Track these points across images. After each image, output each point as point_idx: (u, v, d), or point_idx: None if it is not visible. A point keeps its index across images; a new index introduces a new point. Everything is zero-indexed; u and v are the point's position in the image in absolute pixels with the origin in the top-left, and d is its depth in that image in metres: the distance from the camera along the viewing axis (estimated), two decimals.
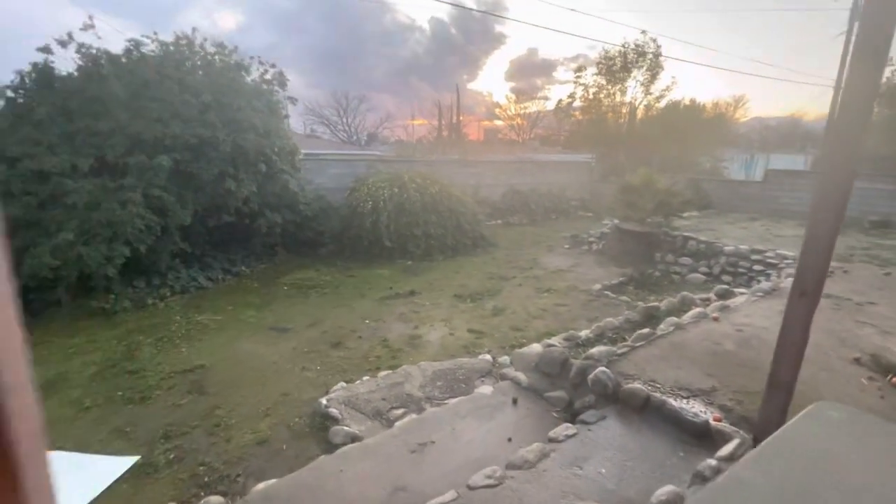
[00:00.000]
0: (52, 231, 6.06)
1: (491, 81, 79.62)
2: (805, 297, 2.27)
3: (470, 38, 61.59)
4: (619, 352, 3.81)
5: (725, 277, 8.31)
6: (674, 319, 4.58)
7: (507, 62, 76.14)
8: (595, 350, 3.80)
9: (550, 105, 40.81)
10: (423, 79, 61.71)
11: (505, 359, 4.88)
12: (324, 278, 8.49)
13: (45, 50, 7.12)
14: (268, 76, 9.38)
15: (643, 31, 16.02)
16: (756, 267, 8.03)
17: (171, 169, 7.18)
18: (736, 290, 6.30)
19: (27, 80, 6.93)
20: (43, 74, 6.97)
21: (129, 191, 6.60)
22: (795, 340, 2.33)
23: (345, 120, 48.74)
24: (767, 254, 8.06)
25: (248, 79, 9.04)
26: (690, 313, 4.76)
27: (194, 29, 8.17)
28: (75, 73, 7.19)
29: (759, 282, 7.80)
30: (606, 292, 7.63)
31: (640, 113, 18.15)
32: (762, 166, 23.93)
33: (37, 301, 6.26)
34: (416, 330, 6.00)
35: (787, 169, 15.45)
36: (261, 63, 9.17)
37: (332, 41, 60.53)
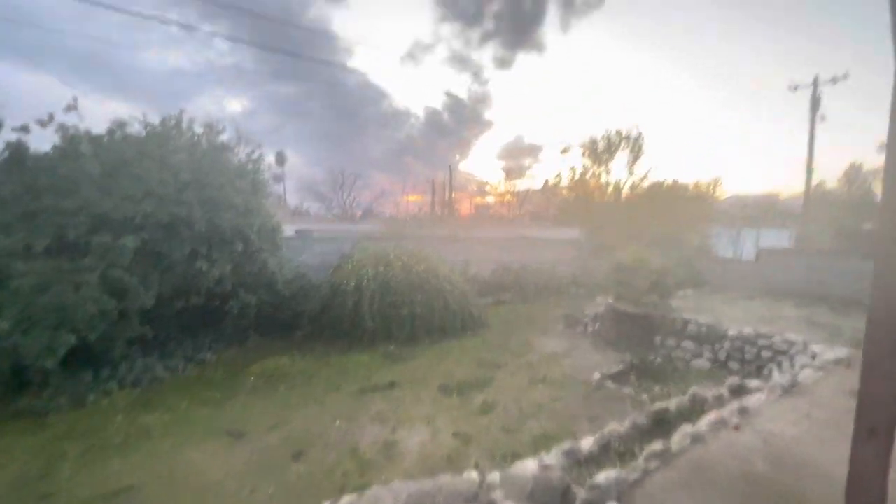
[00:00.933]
0: None
1: (481, 161, 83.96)
2: (876, 437, 1.74)
3: (461, 123, 65.91)
4: (632, 478, 3.13)
5: (732, 364, 7.72)
6: (689, 429, 3.94)
7: (496, 144, 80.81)
8: (602, 477, 3.12)
9: (538, 184, 42.47)
10: (417, 158, 64.93)
11: (495, 476, 4.11)
12: (297, 366, 7.73)
13: (23, 129, 6.98)
14: (254, 155, 9.36)
15: (627, 120, 16.92)
16: (764, 353, 7.48)
17: (139, 248, 6.74)
18: (749, 382, 5.68)
19: None
20: (16, 153, 6.76)
21: (86, 272, 6.08)
22: (872, 496, 1.75)
23: (340, 196, 50.14)
24: (774, 339, 7.55)
25: (235, 158, 8.98)
26: (707, 420, 4.12)
27: (181, 110, 8.23)
28: (51, 152, 7.00)
29: (769, 370, 7.22)
30: (607, 382, 6.94)
31: (625, 192, 18.63)
32: (750, 241, 24.23)
33: None
34: (393, 434, 5.22)
35: (778, 248, 15.47)
36: (247, 143, 9.19)
37: (332, 124, 64.32)
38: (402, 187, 51.09)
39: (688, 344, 8.50)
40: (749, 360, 7.59)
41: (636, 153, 17.49)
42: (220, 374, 7.33)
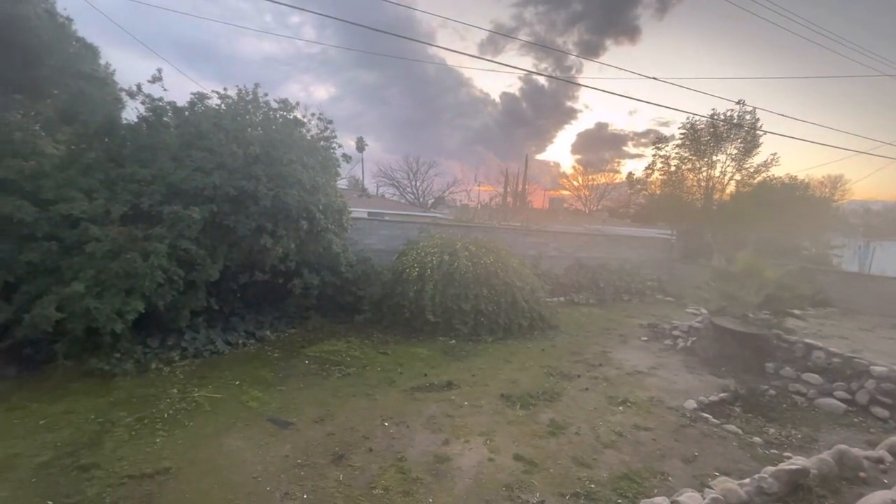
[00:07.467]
0: (67, 280, 5.60)
1: (558, 153, 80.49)
2: None
3: (540, 112, 63.36)
4: None
5: (878, 410, 6.08)
6: None
7: (574, 135, 76.89)
8: None
9: (621, 177, 39.52)
10: (491, 148, 63.78)
11: None
12: (353, 353, 7.39)
13: (116, 100, 7.25)
14: (326, 133, 9.12)
15: (738, 102, 14.49)
16: None
17: (207, 220, 6.72)
18: None
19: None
20: (106, 122, 7.00)
21: (156, 241, 6.12)
22: None
23: (414, 183, 50.81)
24: None
25: (308, 135, 8.80)
26: (875, 501, 2.95)
27: (256, 84, 8.14)
28: (136, 121, 7.20)
29: None
30: (705, 414, 5.74)
31: (729, 189, 16.19)
32: (882, 257, 20.35)
33: (36, 355, 5.72)
34: (445, 446, 4.58)
35: None
36: (320, 119, 8.95)
37: (410, 111, 65.10)
38: (475, 176, 50.47)
39: (812, 377, 6.90)
40: None
41: (749, 145, 14.98)
42: (277, 353, 7.20)
